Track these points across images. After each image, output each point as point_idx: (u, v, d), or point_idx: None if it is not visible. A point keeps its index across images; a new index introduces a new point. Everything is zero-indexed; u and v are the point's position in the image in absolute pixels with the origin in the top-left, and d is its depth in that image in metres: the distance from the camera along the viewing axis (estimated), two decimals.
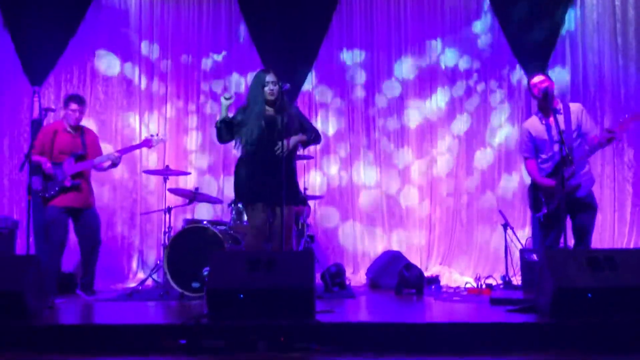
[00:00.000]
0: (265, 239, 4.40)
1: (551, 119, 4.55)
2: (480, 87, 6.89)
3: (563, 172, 4.23)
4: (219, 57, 7.03)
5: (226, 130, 4.42)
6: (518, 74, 6.67)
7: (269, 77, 4.37)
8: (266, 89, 4.35)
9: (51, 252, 5.32)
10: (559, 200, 4.45)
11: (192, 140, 7.00)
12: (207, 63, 7.03)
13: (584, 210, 4.52)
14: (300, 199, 4.72)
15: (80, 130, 5.51)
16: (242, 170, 4.41)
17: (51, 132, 5.42)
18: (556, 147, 4.57)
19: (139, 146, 5.73)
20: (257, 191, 4.32)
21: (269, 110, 4.40)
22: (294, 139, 4.36)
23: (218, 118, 4.53)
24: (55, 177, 5.26)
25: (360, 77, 7.05)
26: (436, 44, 7.01)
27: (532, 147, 4.74)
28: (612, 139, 4.30)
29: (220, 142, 4.61)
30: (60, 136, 5.40)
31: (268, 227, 4.38)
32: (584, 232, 4.52)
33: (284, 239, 4.16)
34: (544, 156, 4.70)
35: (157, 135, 5.80)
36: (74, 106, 5.43)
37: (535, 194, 4.73)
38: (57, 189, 5.27)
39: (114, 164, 5.53)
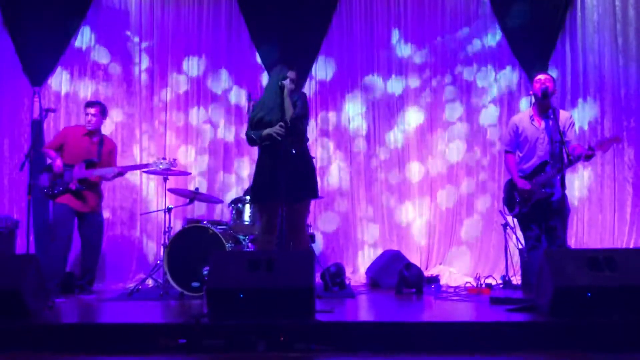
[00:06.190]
0: (274, 238, 4.38)
1: (550, 122, 4.56)
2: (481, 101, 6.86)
3: (564, 173, 4.29)
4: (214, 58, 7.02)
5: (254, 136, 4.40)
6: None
7: (291, 74, 4.37)
8: (285, 82, 4.31)
9: (57, 248, 5.37)
10: (532, 204, 4.61)
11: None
12: (205, 63, 7.01)
13: (556, 213, 4.57)
14: (316, 192, 4.50)
15: (99, 138, 5.58)
16: (260, 168, 4.40)
17: (70, 133, 5.55)
18: (541, 151, 4.66)
19: (138, 167, 5.76)
20: (268, 190, 4.28)
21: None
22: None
23: (247, 128, 4.48)
24: (62, 177, 5.34)
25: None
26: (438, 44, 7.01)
27: (515, 141, 4.82)
28: (592, 156, 4.45)
29: (253, 146, 4.56)
30: (79, 140, 5.49)
31: (277, 225, 4.35)
32: (556, 235, 4.55)
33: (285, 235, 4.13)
34: (520, 154, 4.77)
35: (165, 160, 5.47)
36: (91, 110, 5.53)
37: (511, 192, 4.79)
38: (61, 189, 5.34)
39: (120, 174, 5.60)
